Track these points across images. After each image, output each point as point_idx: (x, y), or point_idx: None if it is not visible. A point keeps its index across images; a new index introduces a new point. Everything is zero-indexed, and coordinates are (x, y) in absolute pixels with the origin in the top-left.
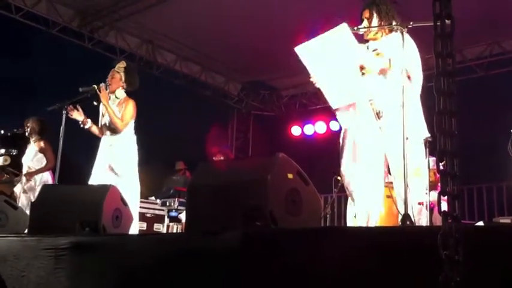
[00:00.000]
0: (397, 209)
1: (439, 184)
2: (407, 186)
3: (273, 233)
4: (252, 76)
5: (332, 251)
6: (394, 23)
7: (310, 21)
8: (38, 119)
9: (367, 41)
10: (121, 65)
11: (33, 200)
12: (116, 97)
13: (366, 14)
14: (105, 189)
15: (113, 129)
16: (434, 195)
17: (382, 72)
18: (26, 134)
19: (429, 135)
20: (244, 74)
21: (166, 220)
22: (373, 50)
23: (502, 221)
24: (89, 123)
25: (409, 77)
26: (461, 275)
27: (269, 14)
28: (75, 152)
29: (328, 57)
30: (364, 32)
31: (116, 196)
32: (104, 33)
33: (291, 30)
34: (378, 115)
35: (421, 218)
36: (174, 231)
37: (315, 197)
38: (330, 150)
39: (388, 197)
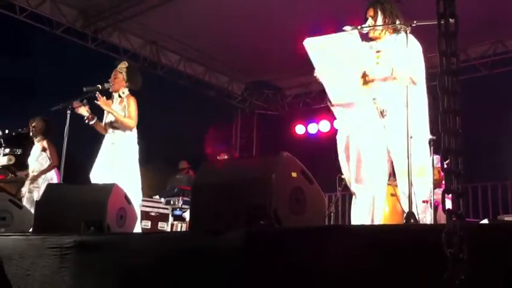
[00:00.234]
0: (401, 207)
1: (444, 182)
2: (411, 184)
3: (277, 231)
4: (255, 76)
5: (336, 250)
6: (398, 22)
7: (314, 21)
8: (43, 119)
9: (370, 39)
10: (123, 65)
11: (37, 199)
12: (119, 96)
13: (371, 12)
14: (109, 188)
15: (116, 127)
16: (438, 193)
17: (385, 79)
18: (31, 133)
19: (430, 136)
20: (248, 74)
21: (171, 219)
22: (377, 52)
23: (506, 219)
24: (94, 120)
25: (412, 82)
26: (466, 273)
27: (272, 14)
28: (80, 152)
29: (335, 57)
30: (368, 30)
31: (120, 195)
32: (108, 33)
33: (294, 30)
34: (382, 114)
35: (426, 216)
36: (179, 229)
37: (319, 195)
38: (334, 149)
39: (392, 195)
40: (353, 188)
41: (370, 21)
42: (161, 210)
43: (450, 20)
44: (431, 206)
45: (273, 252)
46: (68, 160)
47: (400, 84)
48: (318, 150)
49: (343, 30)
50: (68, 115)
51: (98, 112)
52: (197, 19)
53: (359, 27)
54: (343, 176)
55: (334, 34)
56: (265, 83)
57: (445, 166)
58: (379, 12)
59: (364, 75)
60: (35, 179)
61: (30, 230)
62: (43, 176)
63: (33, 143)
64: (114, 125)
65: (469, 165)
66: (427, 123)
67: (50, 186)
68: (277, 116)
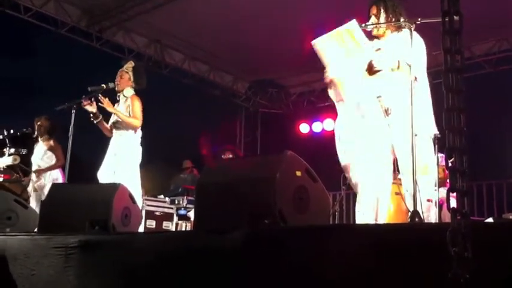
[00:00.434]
0: (406, 205)
1: (448, 181)
2: (416, 183)
3: (281, 230)
4: (259, 74)
5: (340, 249)
6: (402, 20)
7: (318, 20)
8: (48, 118)
9: (373, 38)
10: (129, 65)
11: (43, 199)
12: (124, 95)
13: (374, 10)
14: (114, 187)
15: (120, 128)
16: (443, 191)
17: (391, 71)
18: (36, 132)
19: (437, 132)
20: (252, 73)
21: (175, 218)
22: (377, 50)
23: (511, 217)
24: (99, 118)
25: (415, 78)
26: (471, 272)
27: (276, 12)
28: (85, 151)
29: (342, 51)
30: (372, 28)
31: (125, 194)
32: (112, 33)
33: (298, 29)
34: (387, 112)
35: (430, 215)
36: (183, 229)
37: (323, 194)
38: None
39: (396, 194)
40: (357, 186)
41: (373, 19)
42: (166, 210)
43: (454, 17)
44: (436, 204)
45: (277, 251)
46: (72, 160)
47: (403, 81)
48: (322, 149)
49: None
50: (73, 115)
51: (104, 113)
52: (201, 18)
53: (363, 25)
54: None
55: (335, 29)
56: (269, 82)
57: (450, 164)
58: (382, 10)
59: (371, 67)
60: (40, 172)
61: (35, 229)
62: (48, 175)
63: (37, 142)
64: (117, 126)
65: (474, 164)
66: (432, 121)
67: (54, 186)
68: (282, 114)
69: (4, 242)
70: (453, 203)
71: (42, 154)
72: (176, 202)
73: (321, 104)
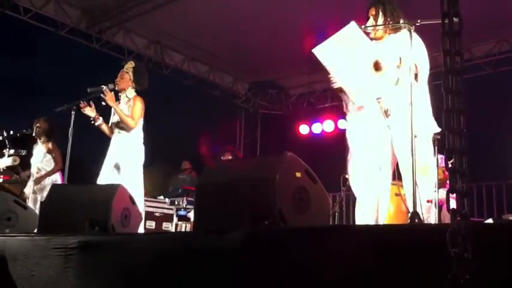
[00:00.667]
0: (406, 206)
1: (448, 182)
2: (415, 184)
3: (281, 231)
4: (259, 76)
5: (339, 249)
6: (401, 21)
7: (318, 21)
8: (47, 120)
9: (372, 39)
10: (130, 65)
11: (42, 200)
12: (126, 96)
13: (372, 11)
14: (114, 188)
15: (122, 128)
16: (443, 193)
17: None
18: (34, 134)
19: (439, 129)
20: (252, 74)
21: (175, 219)
22: None
23: (511, 218)
24: (99, 121)
25: (416, 75)
26: (470, 273)
27: (276, 13)
28: (84, 153)
29: (344, 56)
30: (371, 30)
31: (125, 195)
32: (112, 34)
33: (298, 30)
34: (386, 113)
35: (430, 216)
36: (183, 230)
37: (323, 195)
38: (338, 148)
39: (396, 195)
40: (357, 188)
41: (371, 21)
42: (165, 211)
43: (454, 19)
44: (435, 205)
45: (276, 251)
46: (72, 160)
47: (405, 73)
48: (322, 150)
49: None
50: (72, 116)
51: (104, 112)
52: (201, 18)
53: (362, 26)
54: (347, 176)
55: (334, 34)
56: (269, 83)
57: (450, 165)
58: (381, 12)
59: (377, 64)
60: (39, 180)
61: (35, 230)
62: (48, 178)
63: (36, 144)
64: (120, 126)
65: (474, 165)
66: (432, 123)
67: (54, 186)
68: (281, 115)
69: (4, 243)
70: (453, 204)
71: (42, 157)
72: (176, 203)
73: (321, 105)
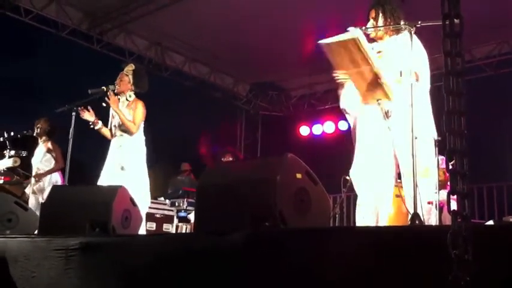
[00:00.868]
0: (406, 208)
1: (449, 183)
2: (416, 185)
3: (281, 232)
4: (260, 77)
5: (340, 250)
6: (402, 23)
7: (319, 22)
8: (48, 120)
9: (372, 41)
10: (129, 68)
11: (42, 201)
12: (126, 99)
13: (372, 14)
14: (114, 190)
15: (124, 130)
16: (443, 194)
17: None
18: (35, 134)
19: (437, 137)
20: (252, 75)
21: (176, 220)
22: (377, 52)
23: None
24: (99, 124)
25: (416, 77)
26: (471, 275)
27: (277, 15)
28: (85, 153)
29: (346, 59)
30: (371, 32)
31: (125, 197)
32: (113, 35)
33: (299, 31)
34: (387, 115)
35: (431, 218)
36: (183, 231)
37: (323, 196)
38: (338, 150)
39: (397, 196)
40: (358, 189)
41: (371, 23)
42: (166, 212)
43: (455, 20)
44: (436, 207)
45: (277, 252)
46: (72, 162)
47: (403, 84)
48: (322, 151)
49: (347, 31)
50: (73, 117)
51: (102, 116)
52: (202, 20)
53: (363, 28)
54: (348, 177)
55: (339, 35)
56: (270, 84)
57: (450, 167)
58: (381, 14)
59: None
60: (40, 176)
61: (36, 231)
62: (48, 178)
63: (37, 145)
64: (121, 128)
65: (474, 166)
66: (432, 124)
67: (55, 188)
68: (282, 117)
69: (4, 244)
70: (454, 206)
71: (41, 156)
72: (176, 204)
73: (322, 106)
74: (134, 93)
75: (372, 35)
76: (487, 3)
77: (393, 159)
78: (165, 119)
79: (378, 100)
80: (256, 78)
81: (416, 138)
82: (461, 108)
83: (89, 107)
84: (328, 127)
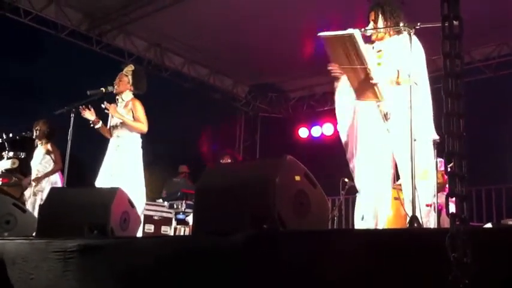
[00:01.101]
0: (405, 210)
1: (447, 186)
2: (415, 188)
3: (280, 235)
4: (259, 79)
5: (339, 252)
6: (401, 24)
7: (318, 24)
8: (46, 122)
9: (373, 42)
10: (129, 69)
11: (41, 203)
12: (122, 99)
13: (372, 16)
14: (113, 192)
15: (122, 131)
16: (442, 197)
17: (392, 84)
18: (34, 136)
19: (437, 137)
20: (252, 77)
21: (174, 223)
22: (378, 51)
23: (510, 223)
24: (99, 124)
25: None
26: (470, 277)
27: (276, 17)
28: (84, 155)
29: (343, 55)
30: (372, 33)
31: (124, 199)
32: (112, 36)
33: (298, 34)
34: (386, 117)
35: (429, 220)
36: (182, 233)
37: (322, 199)
38: (337, 152)
39: (395, 198)
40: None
41: (371, 25)
42: (164, 214)
43: (454, 22)
44: (434, 209)
45: (276, 252)
46: (71, 163)
47: (402, 86)
48: (321, 154)
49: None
50: (72, 118)
51: (102, 115)
52: (202, 21)
53: (362, 29)
54: (346, 180)
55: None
56: (269, 86)
57: (449, 169)
58: (380, 16)
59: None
60: (38, 180)
61: (34, 233)
62: (47, 179)
63: (36, 146)
64: (118, 129)
65: (473, 168)
66: (431, 126)
67: (53, 190)
68: (281, 118)
69: (2, 246)
70: (452, 208)
71: (40, 158)
72: (175, 206)
73: (321, 108)
74: (132, 94)
75: (373, 37)
76: (487, 5)
77: (391, 161)
78: (164, 120)
79: (376, 102)
80: (256, 80)
81: (415, 140)
82: (460, 110)
83: (90, 106)
84: (327, 129)
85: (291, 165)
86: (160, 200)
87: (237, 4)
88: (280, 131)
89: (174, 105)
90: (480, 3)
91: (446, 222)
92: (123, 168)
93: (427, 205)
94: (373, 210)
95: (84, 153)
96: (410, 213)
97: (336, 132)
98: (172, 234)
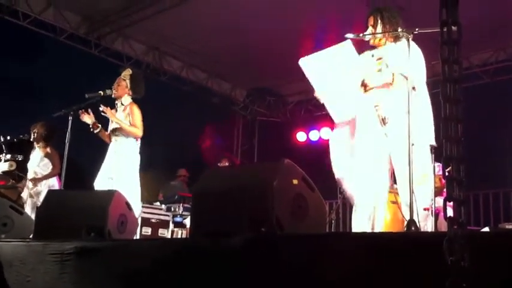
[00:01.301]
0: (402, 215)
1: (445, 190)
2: (412, 192)
3: (279, 238)
4: (258, 83)
5: (338, 254)
6: (399, 30)
7: (316, 28)
8: (45, 125)
9: (372, 48)
10: (127, 73)
11: (38, 205)
12: (122, 104)
13: (371, 21)
14: (110, 194)
15: (118, 135)
16: (439, 201)
17: (385, 86)
18: (32, 139)
19: (434, 143)
20: (250, 81)
21: (171, 225)
22: (378, 59)
23: (507, 227)
24: (98, 128)
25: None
26: (468, 281)
27: (275, 21)
28: (81, 157)
29: (331, 71)
30: (370, 38)
31: (121, 201)
32: (111, 40)
33: (297, 37)
34: (384, 121)
35: (427, 224)
36: (179, 236)
37: (320, 202)
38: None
39: (393, 202)
40: (354, 195)
41: (370, 30)
42: (162, 217)
43: (453, 27)
44: (432, 213)
45: (275, 254)
46: (69, 165)
47: (401, 90)
48: (319, 157)
49: (346, 38)
50: (70, 121)
51: (103, 120)
52: (200, 26)
53: (360, 34)
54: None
55: (327, 49)
56: (267, 90)
57: (447, 174)
58: (379, 21)
59: (363, 84)
60: (36, 182)
61: (31, 236)
62: (44, 182)
63: (33, 149)
64: (116, 134)
65: (471, 173)
66: (430, 131)
67: (50, 192)
68: (279, 122)
69: None
70: (450, 212)
71: (38, 161)
72: (172, 209)
73: (318, 112)
74: (130, 98)
75: (371, 42)
76: (485, 11)
77: (389, 165)
78: (162, 123)
79: (375, 106)
80: (254, 84)
81: (413, 145)
82: (459, 115)
83: (89, 110)
84: (324, 133)
85: (289, 168)
86: (158, 203)
87: (235, 8)
88: (278, 134)
89: (172, 109)
90: (478, 9)
91: (443, 226)
92: (120, 172)
93: (425, 209)
94: (370, 214)
95: (82, 157)
96: (407, 217)
97: None
98: (169, 237)
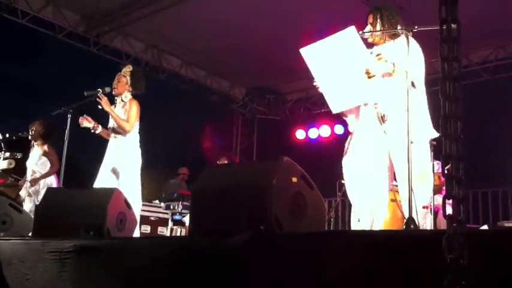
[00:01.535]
0: (402, 213)
1: (444, 188)
2: (411, 190)
3: (278, 237)
4: (257, 81)
5: (337, 252)
6: (399, 27)
7: (316, 27)
8: (43, 123)
9: (371, 45)
10: (127, 69)
11: (37, 203)
12: (122, 100)
13: (370, 19)
14: (109, 192)
15: (118, 132)
16: (438, 199)
17: (386, 75)
18: (30, 137)
19: (437, 134)
20: (249, 79)
21: (170, 223)
22: (376, 55)
23: (506, 225)
24: (99, 129)
25: (413, 82)
26: (467, 279)
27: (274, 19)
28: (80, 155)
29: (334, 60)
30: (369, 36)
31: (120, 199)
32: (110, 38)
33: (296, 35)
34: (383, 119)
35: (426, 222)
36: (178, 234)
37: (319, 200)
38: (334, 154)
39: (392, 200)
40: (353, 193)
41: (369, 28)
42: (161, 215)
43: (452, 25)
44: (431, 211)
45: (274, 253)
46: (68, 164)
47: (401, 79)
48: (318, 155)
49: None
50: (69, 119)
51: (103, 120)
52: (199, 24)
53: (360, 32)
54: (343, 181)
55: (330, 36)
56: (266, 88)
57: (446, 171)
58: (378, 19)
59: (367, 72)
60: (35, 181)
61: (30, 234)
62: (43, 181)
63: (32, 147)
64: (116, 130)
65: (470, 171)
66: (429, 128)
67: (49, 190)
68: (278, 120)
69: None
70: (449, 210)
71: (36, 159)
72: (171, 207)
73: (318, 110)
74: (131, 94)
75: (370, 40)
76: (485, 9)
77: (388, 162)
78: (161, 121)
79: (374, 104)
80: (253, 82)
81: (412, 142)
82: (458, 113)
83: (85, 115)
84: (324, 131)
85: (288, 167)
86: (157, 201)
87: (234, 6)
88: (277, 133)
89: (171, 107)
90: (478, 7)
91: (442, 224)
92: (121, 168)
93: (424, 207)
94: (369, 212)
95: (82, 155)
96: (406, 215)
97: (333, 134)
98: (168, 235)
